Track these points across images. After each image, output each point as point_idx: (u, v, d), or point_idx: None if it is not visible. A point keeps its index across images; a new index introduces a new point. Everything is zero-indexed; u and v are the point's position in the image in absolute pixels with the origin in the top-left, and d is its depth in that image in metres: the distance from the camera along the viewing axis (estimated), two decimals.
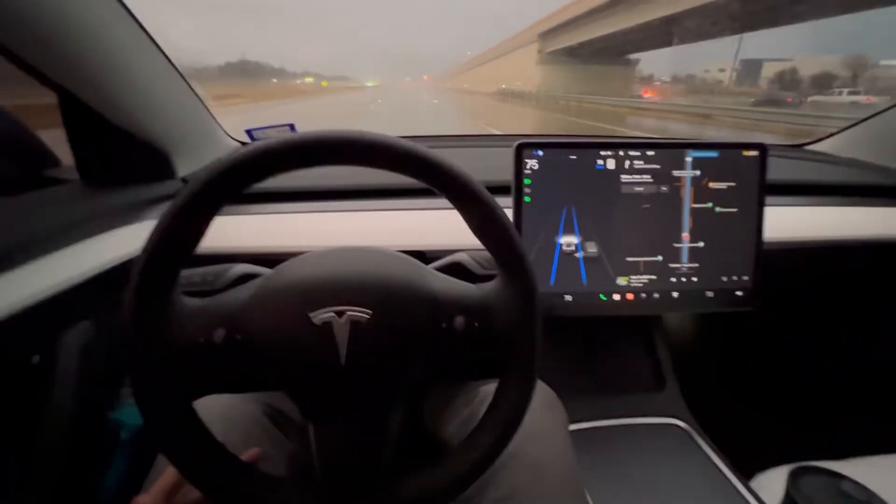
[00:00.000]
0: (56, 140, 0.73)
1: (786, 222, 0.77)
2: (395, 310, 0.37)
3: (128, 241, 0.64)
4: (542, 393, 0.60)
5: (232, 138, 0.94)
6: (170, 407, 0.36)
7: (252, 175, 0.34)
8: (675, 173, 0.66)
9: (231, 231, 0.71)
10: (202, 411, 0.39)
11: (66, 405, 0.56)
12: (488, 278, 0.42)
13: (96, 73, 0.60)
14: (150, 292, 0.35)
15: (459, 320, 0.39)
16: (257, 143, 0.34)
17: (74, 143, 0.69)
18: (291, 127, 0.91)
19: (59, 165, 0.76)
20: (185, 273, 0.52)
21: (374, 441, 0.40)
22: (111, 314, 0.62)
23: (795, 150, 1.08)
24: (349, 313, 0.36)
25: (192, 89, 0.79)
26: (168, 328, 0.36)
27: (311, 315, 0.36)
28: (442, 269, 0.52)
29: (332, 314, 0.36)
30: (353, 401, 0.39)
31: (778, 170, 0.70)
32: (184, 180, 0.78)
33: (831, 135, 1.06)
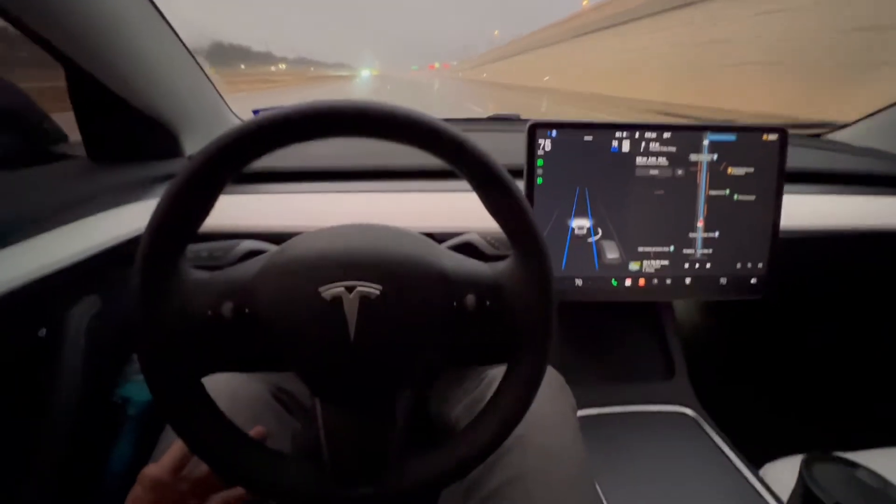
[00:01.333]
0: (66, 122, 0.72)
1: (802, 211, 0.76)
2: (406, 286, 0.37)
3: (135, 217, 0.63)
4: (551, 377, 0.59)
5: (239, 118, 0.93)
6: (178, 380, 0.36)
7: (257, 147, 0.33)
8: (692, 157, 0.64)
9: (240, 211, 0.71)
10: (209, 390, 0.39)
11: (73, 380, 0.57)
12: (500, 258, 0.41)
13: (104, 46, 0.59)
14: (157, 265, 0.35)
15: (471, 299, 0.38)
16: (261, 115, 0.33)
17: (81, 119, 0.69)
18: None
19: (67, 141, 0.76)
20: (192, 248, 0.52)
21: (381, 421, 0.40)
22: (119, 289, 0.62)
23: (813, 139, 1.06)
24: (359, 289, 0.35)
25: (202, 68, 0.78)
26: (176, 301, 0.35)
27: (321, 290, 0.35)
28: (453, 249, 0.52)
29: (342, 289, 0.35)
30: (361, 378, 0.38)
31: (795, 158, 0.69)
32: (191, 159, 0.78)
33: (849, 124, 1.04)
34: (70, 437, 0.57)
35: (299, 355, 0.38)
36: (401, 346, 0.38)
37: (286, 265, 0.37)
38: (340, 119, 0.33)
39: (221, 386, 0.52)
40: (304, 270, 0.36)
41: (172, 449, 0.43)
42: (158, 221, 0.33)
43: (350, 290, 0.35)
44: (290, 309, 0.36)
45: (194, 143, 0.79)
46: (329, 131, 0.33)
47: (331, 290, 0.35)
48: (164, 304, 0.35)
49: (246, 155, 0.34)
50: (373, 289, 0.36)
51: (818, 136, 1.08)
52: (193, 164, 0.33)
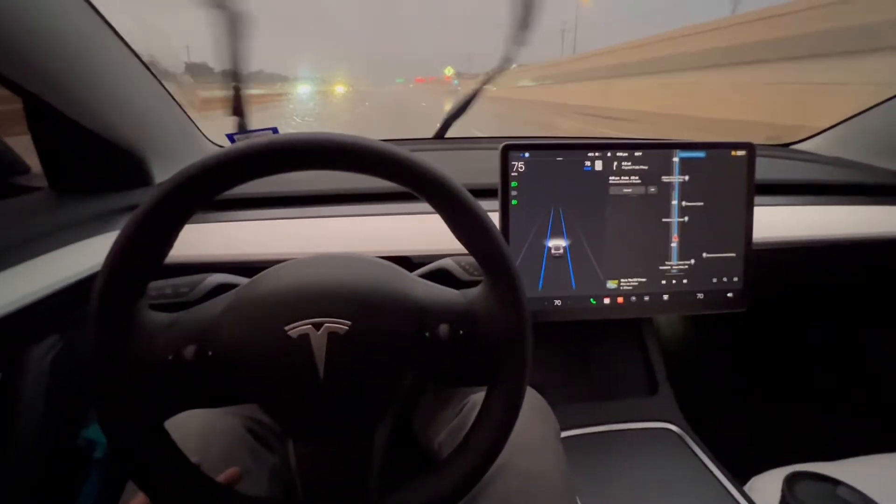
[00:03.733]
0: (26, 147, 0.70)
1: (774, 222, 0.77)
2: (375, 319, 0.36)
3: (98, 251, 0.61)
4: (532, 401, 0.58)
5: (212, 143, 0.91)
6: (137, 429, 0.34)
7: (220, 182, 0.33)
8: (665, 176, 0.65)
9: (207, 238, 0.69)
10: (177, 427, 0.37)
11: (33, 424, 0.54)
12: (475, 284, 0.40)
13: (62, 74, 0.58)
14: (114, 307, 0.33)
15: (444, 328, 0.37)
16: (226, 149, 0.32)
17: (41, 149, 0.66)
18: (274, 131, 0.89)
19: (28, 172, 0.73)
20: (156, 285, 0.50)
21: (358, 457, 0.39)
22: (81, 328, 0.60)
23: (782, 149, 1.08)
24: (327, 325, 0.34)
25: (169, 92, 0.76)
26: (134, 345, 0.34)
27: (287, 328, 0.34)
28: (426, 276, 0.51)
29: (310, 326, 0.34)
30: (334, 416, 0.37)
31: (764, 169, 0.70)
32: (160, 186, 0.76)
33: (816, 134, 1.06)
34: (33, 484, 0.54)
35: (267, 395, 0.37)
36: (373, 381, 0.37)
37: (251, 304, 0.36)
38: (303, 152, 0.33)
39: (189, 423, 0.50)
40: (269, 309, 0.35)
41: (139, 497, 0.41)
42: (115, 260, 0.32)
43: (318, 326, 0.34)
44: (255, 350, 0.35)
45: (164, 170, 0.77)
46: (296, 164, 0.33)
47: (297, 329, 0.34)
48: (122, 349, 0.33)
49: (211, 188, 0.33)
50: (341, 324, 0.35)
51: (787, 145, 1.10)
52: (152, 200, 0.32)
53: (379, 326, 0.36)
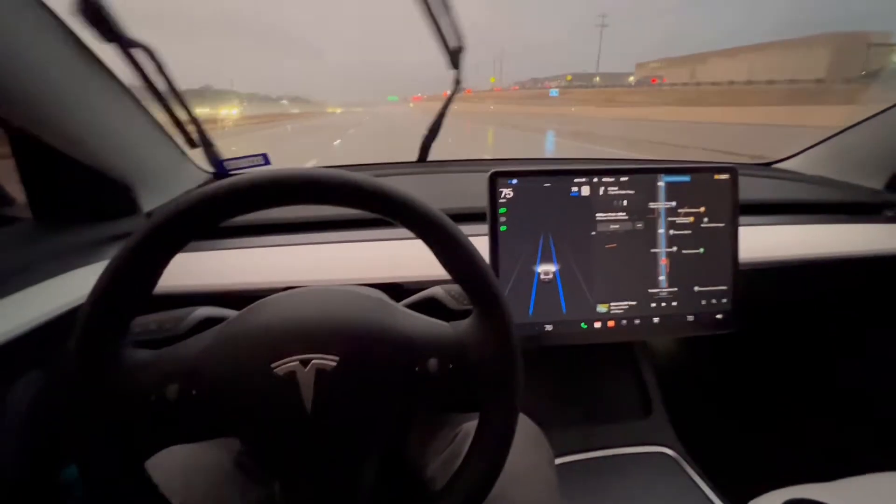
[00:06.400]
0: (7, 174, 0.69)
1: (761, 242, 0.78)
2: (364, 355, 0.35)
3: (83, 283, 0.60)
4: (526, 428, 0.58)
5: (202, 170, 0.91)
6: (116, 470, 0.33)
7: (212, 216, 0.32)
8: (651, 205, 0.66)
9: (194, 268, 0.68)
10: (160, 461, 0.36)
11: (10, 463, 0.52)
12: (465, 313, 0.40)
13: (47, 104, 0.57)
14: (97, 343, 0.33)
15: (433, 362, 0.37)
16: (212, 185, 0.32)
17: (26, 179, 0.65)
18: (264, 157, 0.88)
19: (11, 202, 0.72)
20: (141, 321, 0.49)
21: (347, 495, 0.38)
22: (64, 364, 0.58)
23: (764, 168, 1.10)
24: (314, 361, 0.34)
25: (155, 119, 0.76)
26: (116, 383, 0.33)
27: (273, 366, 0.34)
28: (416, 306, 0.51)
29: (296, 363, 0.34)
30: (321, 454, 0.36)
31: (749, 189, 0.71)
32: (149, 215, 0.75)
33: (799, 153, 1.09)
34: None
35: (252, 434, 0.36)
36: (362, 418, 0.36)
37: (236, 341, 0.36)
38: (295, 188, 0.33)
39: (173, 458, 0.48)
40: (254, 346, 0.35)
41: None
42: (100, 296, 0.32)
43: (305, 363, 0.34)
44: (240, 389, 0.34)
45: (153, 199, 0.76)
46: (285, 200, 0.33)
47: (284, 366, 0.34)
48: (102, 387, 0.33)
49: (198, 224, 0.32)
50: (329, 360, 0.34)
51: (770, 164, 1.12)
52: (139, 236, 0.31)
53: (367, 362, 0.35)
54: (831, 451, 0.93)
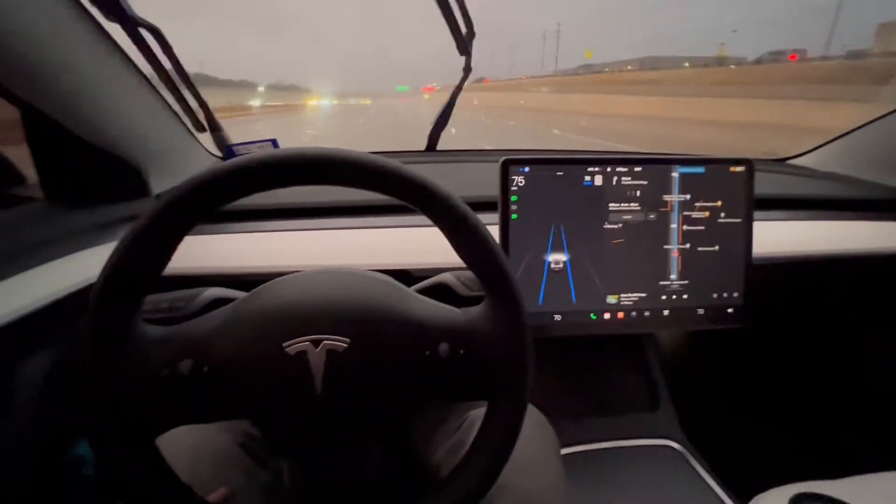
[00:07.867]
0: (21, 156, 0.69)
1: (774, 237, 0.77)
2: (375, 338, 0.35)
3: (93, 263, 0.60)
4: (533, 417, 0.58)
5: (211, 154, 0.91)
6: (129, 447, 0.33)
7: (219, 196, 0.32)
8: (665, 193, 0.65)
9: (204, 251, 0.68)
10: (167, 444, 0.37)
11: (23, 439, 0.53)
12: (475, 299, 0.40)
13: (61, 84, 0.57)
14: (110, 320, 0.33)
15: (444, 347, 0.37)
16: (224, 163, 0.32)
17: (38, 160, 0.66)
18: (274, 142, 0.88)
19: (24, 183, 0.72)
20: (152, 298, 0.49)
21: (353, 477, 0.38)
22: (77, 339, 0.58)
23: (779, 164, 1.09)
24: (325, 342, 0.34)
25: (167, 102, 0.76)
26: (129, 359, 0.33)
27: (285, 345, 0.34)
28: (426, 291, 0.50)
29: (308, 344, 0.34)
30: (330, 435, 0.37)
31: (762, 184, 0.70)
32: (158, 198, 0.75)
33: (813, 149, 1.07)
34: (20, 500, 0.53)
35: (262, 413, 0.36)
36: (371, 400, 0.36)
37: (248, 319, 0.36)
38: (306, 167, 0.32)
39: (180, 441, 0.49)
40: (266, 325, 0.35)
41: None
42: (112, 273, 0.32)
43: (316, 344, 0.34)
44: (252, 366, 0.34)
45: (162, 182, 0.76)
46: (296, 179, 0.33)
47: (295, 346, 0.34)
48: (115, 363, 0.33)
49: (210, 202, 0.32)
50: (340, 342, 0.34)
51: (783, 160, 1.11)
52: (151, 213, 0.31)
53: (378, 345, 0.35)
54: (839, 448, 0.93)
